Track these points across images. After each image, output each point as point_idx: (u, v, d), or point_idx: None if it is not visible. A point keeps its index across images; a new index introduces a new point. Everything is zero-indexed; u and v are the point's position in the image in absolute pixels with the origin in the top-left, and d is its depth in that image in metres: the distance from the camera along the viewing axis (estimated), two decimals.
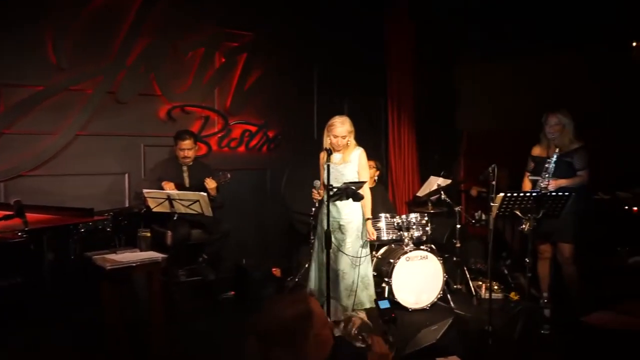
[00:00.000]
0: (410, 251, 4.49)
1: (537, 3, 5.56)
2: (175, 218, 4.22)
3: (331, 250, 3.62)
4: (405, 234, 4.64)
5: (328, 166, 3.55)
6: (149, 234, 4.23)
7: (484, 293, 4.73)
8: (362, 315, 3.90)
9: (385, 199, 5.36)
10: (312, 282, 4.08)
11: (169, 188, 4.42)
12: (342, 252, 3.85)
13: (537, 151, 4.24)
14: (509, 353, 3.63)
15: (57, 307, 2.84)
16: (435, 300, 4.52)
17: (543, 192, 3.77)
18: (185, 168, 4.78)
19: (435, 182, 5.05)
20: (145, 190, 4.19)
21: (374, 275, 4.54)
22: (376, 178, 5.26)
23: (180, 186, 4.57)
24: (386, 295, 4.37)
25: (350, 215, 3.90)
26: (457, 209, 4.95)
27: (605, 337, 3.25)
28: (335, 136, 3.81)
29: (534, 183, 4.08)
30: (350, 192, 3.58)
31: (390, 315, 2.83)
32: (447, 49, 6.52)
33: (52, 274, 2.81)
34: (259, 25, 5.58)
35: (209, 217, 4.30)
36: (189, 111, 5.25)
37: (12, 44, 4.29)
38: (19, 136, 4.38)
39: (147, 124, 5.03)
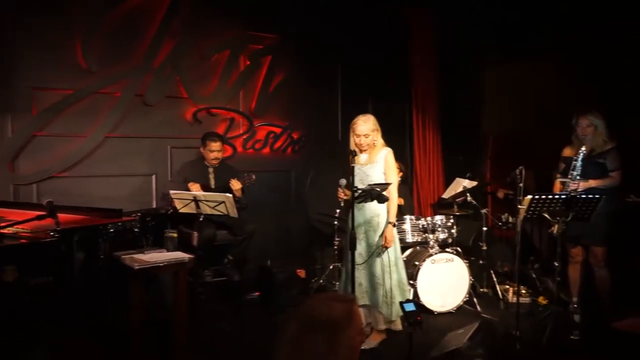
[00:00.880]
0: (436, 254, 4.45)
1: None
2: (201, 219, 4.25)
3: (364, 255, 3.56)
4: (431, 236, 4.61)
5: (352, 168, 3.52)
6: (175, 235, 4.28)
7: (511, 297, 4.66)
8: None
9: (408, 201, 5.32)
10: (340, 286, 3.95)
11: (195, 189, 4.47)
12: (374, 256, 3.69)
13: (567, 152, 4.16)
14: (537, 358, 3.56)
15: (85, 306, 2.89)
16: (461, 303, 4.46)
17: (572, 194, 3.68)
18: (211, 169, 4.83)
19: (461, 184, 4.99)
20: (172, 192, 4.24)
21: None
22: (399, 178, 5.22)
23: (205, 187, 4.61)
24: (411, 298, 4.33)
25: (382, 217, 3.73)
26: (483, 211, 4.88)
27: (638, 344, 3.16)
28: (358, 135, 3.72)
29: (564, 185, 3.99)
30: (374, 194, 3.54)
31: (416, 319, 2.80)
32: (471, 50, 6.44)
33: (82, 273, 2.86)
34: (283, 28, 5.61)
35: (234, 219, 4.32)
36: (214, 113, 5.31)
37: (43, 49, 4.41)
38: (50, 138, 4.49)
39: (173, 126, 5.11)
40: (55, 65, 4.47)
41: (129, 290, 3.28)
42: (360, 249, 3.67)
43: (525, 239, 4.91)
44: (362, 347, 3.57)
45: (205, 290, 4.46)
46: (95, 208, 3.53)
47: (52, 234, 2.60)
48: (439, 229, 4.66)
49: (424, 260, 4.39)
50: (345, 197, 3.77)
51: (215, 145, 4.74)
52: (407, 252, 4.76)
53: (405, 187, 5.48)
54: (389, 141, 3.95)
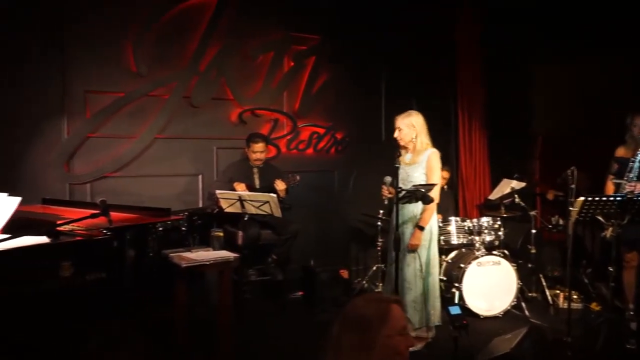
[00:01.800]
0: (482, 256, 4.35)
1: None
2: (245, 218, 4.32)
3: (400, 255, 3.52)
4: (477, 238, 4.52)
5: (397, 168, 3.49)
6: (221, 234, 4.36)
7: (561, 302, 4.51)
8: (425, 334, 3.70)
9: (452, 204, 5.25)
10: (383, 287, 3.93)
11: (240, 189, 4.54)
12: (405, 259, 3.62)
13: (621, 152, 3.99)
14: None
15: (134, 301, 2.98)
16: (509, 307, 4.35)
17: (629, 196, 3.51)
18: (255, 170, 4.89)
19: (509, 185, 4.86)
20: (217, 191, 4.32)
21: (443, 280, 4.44)
22: (446, 187, 5.19)
23: (250, 187, 4.68)
24: (456, 301, 4.26)
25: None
26: (532, 213, 4.74)
27: None
28: (395, 128, 3.71)
29: (617, 186, 3.83)
30: (419, 194, 3.50)
31: (462, 322, 2.75)
32: (519, 48, 6.26)
33: (133, 270, 2.95)
34: (327, 28, 5.62)
35: (279, 218, 4.37)
36: (259, 114, 5.37)
37: (96, 54, 4.58)
38: (103, 140, 4.66)
39: (219, 127, 5.20)
40: (107, 69, 4.64)
41: (175, 287, 3.35)
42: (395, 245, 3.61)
43: (577, 242, 4.73)
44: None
45: (250, 289, 4.53)
46: (144, 207, 3.64)
47: (105, 231, 2.69)
48: (486, 231, 4.56)
49: (469, 263, 4.30)
50: (389, 195, 3.73)
51: (258, 147, 4.80)
52: (452, 254, 4.68)
53: (449, 191, 5.39)
54: (433, 142, 3.88)
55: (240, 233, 4.36)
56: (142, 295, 3.12)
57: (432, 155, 3.66)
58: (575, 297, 4.49)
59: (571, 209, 3.58)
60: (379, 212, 4.83)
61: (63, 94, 4.49)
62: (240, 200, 4.23)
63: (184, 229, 3.98)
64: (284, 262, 4.83)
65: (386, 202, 3.86)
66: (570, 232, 3.79)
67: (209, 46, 5.03)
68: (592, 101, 5.53)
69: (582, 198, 3.45)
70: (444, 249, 4.69)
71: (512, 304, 4.36)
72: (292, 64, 5.53)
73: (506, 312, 4.33)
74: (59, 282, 2.40)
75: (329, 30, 5.63)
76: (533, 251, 4.76)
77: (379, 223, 4.88)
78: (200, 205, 5.06)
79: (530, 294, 4.75)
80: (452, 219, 4.67)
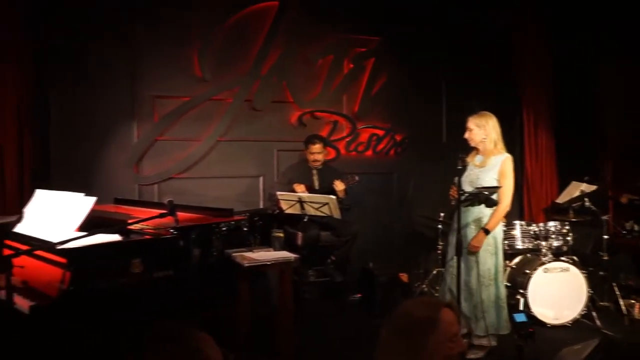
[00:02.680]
0: (549, 262, 4.17)
1: None
2: (305, 220, 4.37)
3: (462, 259, 3.42)
4: (543, 243, 4.33)
5: (459, 170, 3.41)
6: (282, 235, 4.43)
7: (637, 313, 4.24)
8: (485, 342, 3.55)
9: (515, 207, 5.06)
10: (443, 292, 3.75)
11: (300, 190, 4.60)
12: (468, 263, 3.50)
13: None
14: None
15: (198, 299, 3.07)
16: (578, 317, 4.15)
17: None
18: (314, 171, 4.93)
19: (578, 187, 4.64)
20: (278, 193, 4.40)
21: (507, 286, 4.29)
22: None
23: (310, 189, 4.72)
24: (521, 308, 4.10)
25: (484, 223, 3.52)
26: (604, 217, 4.49)
27: None
28: (466, 129, 3.59)
29: None
30: (482, 197, 3.41)
31: (528, 330, 2.64)
32: (585, 49, 5.95)
33: (197, 268, 3.05)
34: (386, 30, 5.59)
35: (338, 220, 4.39)
36: (318, 116, 5.42)
37: (164, 60, 4.80)
38: (169, 142, 4.86)
39: (279, 130, 5.29)
40: (174, 75, 4.84)
41: (237, 286, 3.43)
42: (452, 253, 3.51)
43: None
44: (468, 357, 3.44)
45: (309, 290, 4.57)
46: (208, 207, 3.75)
47: (172, 231, 2.80)
48: (553, 236, 4.37)
49: (535, 269, 4.14)
50: (456, 195, 3.63)
51: (316, 148, 4.84)
52: (517, 259, 4.52)
53: (515, 193, 5.19)
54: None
55: (300, 234, 4.41)
56: (206, 294, 3.21)
57: (507, 161, 3.53)
58: None
59: None
60: (439, 214, 4.74)
61: (133, 100, 4.73)
62: (300, 201, 4.28)
63: (245, 229, 4.06)
64: (343, 264, 4.84)
65: (453, 203, 3.73)
66: None
67: (271, 50, 5.13)
68: None
69: None
70: (508, 254, 4.53)
71: (582, 313, 4.15)
72: (352, 66, 5.54)
73: (575, 322, 4.13)
74: (130, 278, 2.52)
75: (389, 31, 5.59)
76: (605, 258, 4.50)
77: (439, 226, 4.78)
78: (261, 206, 5.17)
79: (602, 303, 4.50)
80: (517, 222, 4.51)
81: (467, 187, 3.51)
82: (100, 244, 2.56)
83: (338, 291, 4.73)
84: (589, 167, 5.79)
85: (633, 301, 4.40)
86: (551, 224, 4.43)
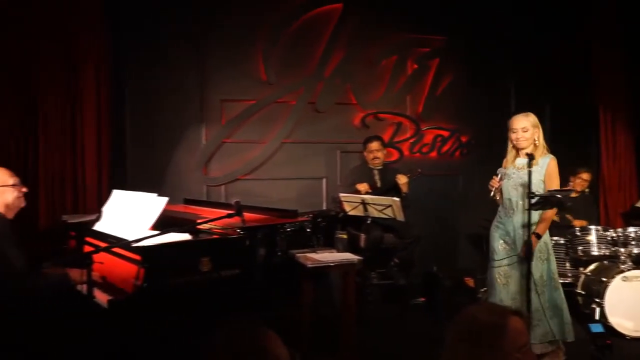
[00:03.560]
0: (629, 270, 3.93)
1: None
2: (368, 222, 4.35)
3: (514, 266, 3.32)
4: (622, 250, 4.09)
5: (529, 172, 3.27)
6: (345, 236, 4.44)
7: None
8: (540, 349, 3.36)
9: (594, 211, 4.80)
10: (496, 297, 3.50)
11: (363, 188, 4.60)
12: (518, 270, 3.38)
13: None
14: None
15: (263, 298, 3.13)
16: None
17: None
18: (376, 172, 4.90)
19: None
20: (341, 194, 4.41)
21: (582, 295, 4.09)
22: (587, 190, 4.78)
23: (372, 188, 4.70)
24: (597, 318, 3.89)
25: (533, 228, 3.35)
26: None
27: None
28: (516, 130, 3.41)
29: None
30: (554, 200, 3.26)
31: (605, 342, 2.51)
32: None
33: (262, 268, 3.11)
34: (451, 28, 5.48)
35: (401, 222, 4.34)
36: (381, 118, 5.39)
37: (231, 65, 4.94)
38: (236, 145, 5.00)
39: (342, 132, 5.31)
40: (240, 78, 4.98)
41: (300, 287, 3.47)
42: (502, 255, 3.43)
43: None
44: None
45: (371, 292, 4.54)
46: (274, 208, 3.82)
47: (239, 231, 2.88)
48: (633, 242, 4.11)
49: (613, 277, 3.90)
50: (496, 186, 3.50)
51: (374, 145, 4.82)
52: (592, 266, 4.29)
53: (591, 195, 4.95)
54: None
55: (362, 236, 4.40)
56: (270, 293, 3.27)
57: (552, 162, 3.40)
58: None
59: None
60: None
61: (202, 104, 4.90)
62: (363, 203, 4.27)
63: (308, 230, 4.11)
64: (407, 267, 4.78)
65: (491, 195, 3.55)
66: None
67: (334, 53, 5.17)
68: None
69: None
70: (582, 260, 4.31)
71: None
72: (416, 66, 5.47)
73: None
74: (199, 276, 2.62)
75: (453, 30, 5.47)
76: None
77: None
78: (324, 207, 5.20)
79: None
80: (593, 227, 4.29)
81: (513, 192, 3.40)
82: (172, 242, 2.68)
83: (401, 294, 4.67)
84: None
85: None
86: (631, 229, 4.18)
